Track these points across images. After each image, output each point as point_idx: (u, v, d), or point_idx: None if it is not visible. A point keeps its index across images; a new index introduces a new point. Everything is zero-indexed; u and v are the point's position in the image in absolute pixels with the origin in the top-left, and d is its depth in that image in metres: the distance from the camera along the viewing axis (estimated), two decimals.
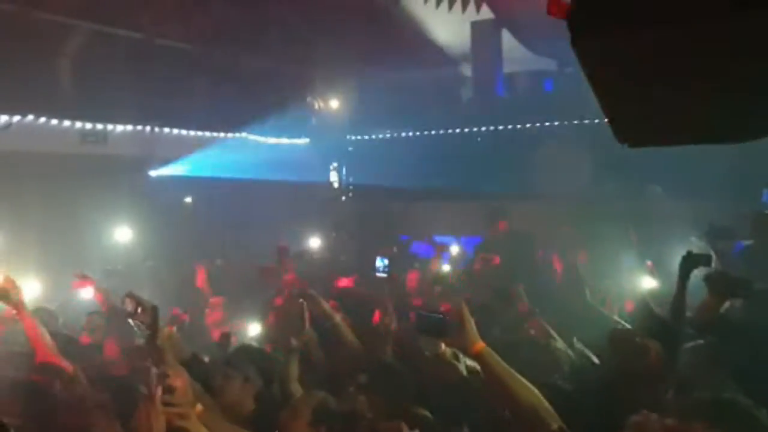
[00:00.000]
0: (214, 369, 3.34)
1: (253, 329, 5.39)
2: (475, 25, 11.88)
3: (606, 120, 1.63)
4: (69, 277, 5.87)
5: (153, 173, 9.87)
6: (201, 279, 6.77)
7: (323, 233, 9.51)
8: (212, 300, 6.49)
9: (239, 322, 5.66)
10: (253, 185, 10.18)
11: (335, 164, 13.16)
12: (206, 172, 10.12)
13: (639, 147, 1.79)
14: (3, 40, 7.27)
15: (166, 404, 2.19)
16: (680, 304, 4.13)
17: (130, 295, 3.04)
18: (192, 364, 3.09)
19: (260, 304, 6.02)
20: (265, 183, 10.35)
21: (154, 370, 3.58)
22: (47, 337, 3.92)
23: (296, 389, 3.51)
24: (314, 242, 9.36)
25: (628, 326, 4.21)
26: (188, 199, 10.39)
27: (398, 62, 12.02)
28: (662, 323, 4.01)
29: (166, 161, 9.97)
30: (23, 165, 7.35)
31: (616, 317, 4.56)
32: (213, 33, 9.05)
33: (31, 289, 5.28)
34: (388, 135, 12.59)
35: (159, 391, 2.19)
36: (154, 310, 2.99)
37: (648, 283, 4.54)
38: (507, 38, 11.94)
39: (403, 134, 12.37)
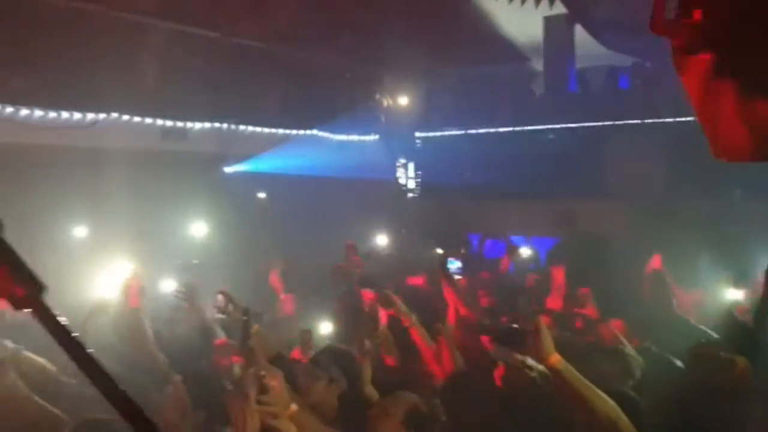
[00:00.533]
0: (299, 368, 3.41)
1: (325, 327, 5.46)
2: (548, 20, 11.65)
3: (703, 134, 1.57)
4: (150, 270, 6.07)
5: (228, 169, 10.13)
6: (275, 276, 6.86)
7: (391, 231, 9.54)
8: (283, 297, 6.58)
9: (309, 320, 5.73)
10: (323, 182, 10.29)
11: (402, 161, 13.16)
12: (279, 169, 10.30)
13: (737, 162, 1.72)
14: (87, 41, 7.59)
15: (261, 404, 2.24)
16: (765, 313, 3.97)
17: (224, 293, 3.17)
18: (277, 362, 3.17)
19: (330, 303, 6.09)
20: (335, 179, 10.45)
21: (236, 369, 3.71)
22: (150, 334, 4.06)
23: (371, 392, 3.55)
24: (382, 240, 9.42)
25: (715, 335, 4.07)
26: (261, 195, 10.59)
27: (468, 58, 11.90)
28: (748, 332, 3.87)
29: (241, 158, 10.22)
30: (108, 161, 7.64)
31: (702, 327, 4.41)
32: (287, 32, 9.20)
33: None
34: (457, 132, 12.49)
35: (254, 391, 2.24)
36: (247, 312, 3.08)
37: (733, 294, 4.38)
38: (580, 33, 11.67)
39: (473, 131, 12.24)
